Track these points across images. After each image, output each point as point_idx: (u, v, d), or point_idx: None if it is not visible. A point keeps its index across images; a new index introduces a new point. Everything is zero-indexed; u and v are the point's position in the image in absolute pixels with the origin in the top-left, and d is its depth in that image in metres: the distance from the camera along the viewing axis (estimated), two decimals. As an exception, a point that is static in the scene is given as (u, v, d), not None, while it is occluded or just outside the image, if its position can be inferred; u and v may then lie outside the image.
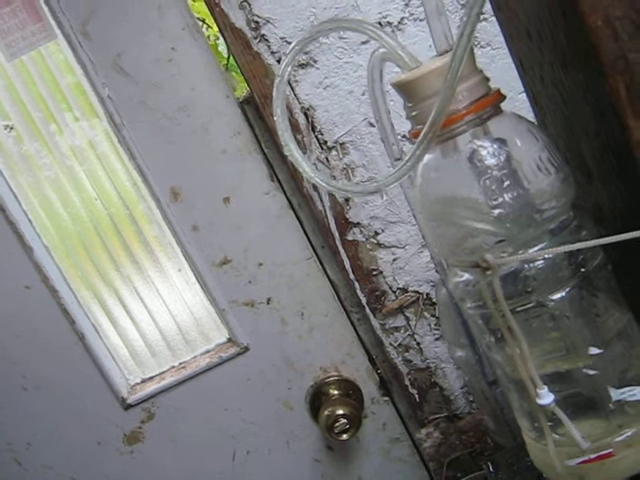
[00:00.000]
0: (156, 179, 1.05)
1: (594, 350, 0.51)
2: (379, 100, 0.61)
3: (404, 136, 1.02)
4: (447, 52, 0.52)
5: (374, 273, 1.08)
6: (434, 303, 1.09)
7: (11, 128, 1.06)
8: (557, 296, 0.50)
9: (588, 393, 0.53)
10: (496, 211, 0.49)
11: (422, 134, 0.48)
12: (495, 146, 0.50)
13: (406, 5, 0.99)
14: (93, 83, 1.02)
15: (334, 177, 1.04)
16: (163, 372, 1.15)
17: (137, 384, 1.15)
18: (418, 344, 1.11)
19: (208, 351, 1.15)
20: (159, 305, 1.13)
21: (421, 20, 1.00)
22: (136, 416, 1.15)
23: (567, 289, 0.51)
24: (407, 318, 1.10)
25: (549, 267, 0.50)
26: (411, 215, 1.04)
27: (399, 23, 1.00)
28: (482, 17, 1.00)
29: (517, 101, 1.01)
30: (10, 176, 1.06)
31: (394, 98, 0.91)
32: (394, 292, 1.09)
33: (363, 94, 1.01)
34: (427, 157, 0.52)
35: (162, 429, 1.15)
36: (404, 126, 0.94)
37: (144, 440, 1.16)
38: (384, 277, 1.08)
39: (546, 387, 0.51)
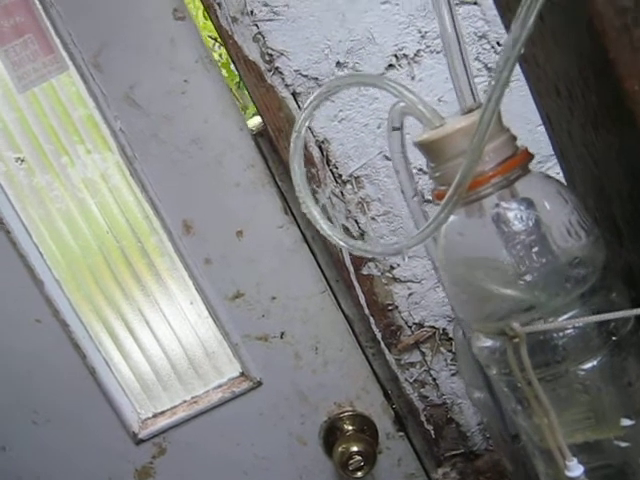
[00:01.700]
0: (168, 212, 1.04)
1: (626, 422, 0.49)
2: (396, 154, 0.58)
3: (420, 169, 1.00)
4: (472, 110, 0.50)
5: (389, 308, 1.06)
6: (450, 338, 1.07)
7: (22, 160, 1.05)
8: (587, 366, 0.48)
9: (619, 465, 0.51)
10: (525, 278, 0.47)
11: (446, 197, 0.46)
12: (523, 209, 0.48)
13: (422, 37, 0.97)
14: (105, 115, 1.00)
15: (349, 211, 1.02)
16: (175, 406, 1.13)
17: (148, 418, 1.14)
18: (434, 380, 1.09)
19: (220, 385, 1.13)
20: (171, 339, 1.11)
21: (437, 52, 0.98)
22: (147, 451, 1.13)
23: (598, 358, 0.48)
24: (423, 353, 1.08)
25: (579, 336, 0.48)
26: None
27: (415, 55, 0.98)
28: (499, 50, 0.98)
29: (536, 133, 0.99)
30: (21, 208, 1.05)
31: (410, 132, 0.89)
32: (410, 327, 1.06)
33: (378, 127, 1.00)
34: (451, 218, 0.50)
35: (173, 464, 1.14)
36: (421, 159, 0.93)
37: (155, 475, 1.14)
38: (400, 312, 1.06)
39: (575, 459, 0.49)
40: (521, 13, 0.41)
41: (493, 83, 0.43)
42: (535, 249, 0.47)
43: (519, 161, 0.48)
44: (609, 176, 0.49)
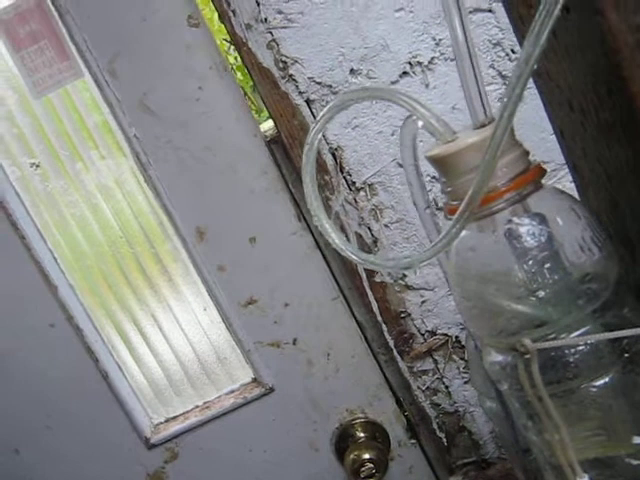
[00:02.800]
0: (182, 218, 1.04)
1: (638, 439, 0.49)
2: (409, 166, 0.58)
3: (434, 177, 1.00)
4: (484, 125, 0.49)
5: (402, 315, 1.05)
6: (463, 346, 1.07)
7: (37, 166, 1.05)
8: (599, 382, 0.48)
9: (631, 482, 0.50)
10: (537, 294, 0.47)
11: (458, 212, 0.46)
12: (535, 225, 0.48)
13: (437, 44, 0.97)
14: (119, 122, 1.01)
15: (362, 218, 1.02)
16: (187, 412, 1.14)
17: (161, 423, 1.14)
18: (446, 387, 1.08)
19: (233, 391, 1.13)
20: (184, 344, 1.12)
21: (452, 60, 0.97)
22: (159, 456, 1.13)
23: (610, 375, 0.48)
24: (435, 361, 1.07)
25: (591, 352, 0.48)
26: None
27: (429, 63, 0.98)
28: (513, 57, 0.98)
29: (548, 142, 0.99)
30: (36, 214, 1.06)
31: (423, 139, 0.89)
32: (422, 335, 1.06)
33: (392, 134, 1.00)
34: (463, 233, 0.50)
35: (185, 469, 1.14)
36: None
37: (167, 480, 1.15)
38: (412, 319, 1.06)
39: (587, 476, 0.48)
40: (534, 29, 0.40)
41: (506, 100, 0.42)
42: (547, 265, 0.47)
43: (532, 176, 0.48)
44: (622, 192, 0.49)
